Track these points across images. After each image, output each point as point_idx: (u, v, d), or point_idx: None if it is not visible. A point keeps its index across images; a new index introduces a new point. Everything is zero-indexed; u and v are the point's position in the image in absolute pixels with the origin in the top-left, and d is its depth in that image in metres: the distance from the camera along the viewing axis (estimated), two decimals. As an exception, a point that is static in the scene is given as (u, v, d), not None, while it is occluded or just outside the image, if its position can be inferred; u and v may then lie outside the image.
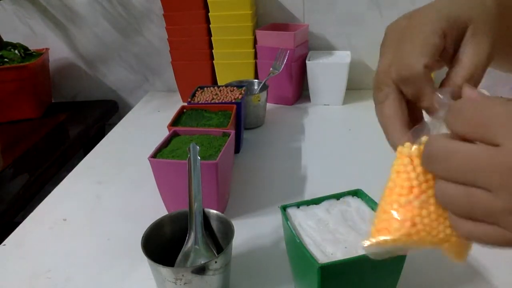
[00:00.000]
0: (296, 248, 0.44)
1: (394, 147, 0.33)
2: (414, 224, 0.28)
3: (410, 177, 0.29)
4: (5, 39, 1.10)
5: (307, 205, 0.48)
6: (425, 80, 0.33)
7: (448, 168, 0.26)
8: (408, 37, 0.34)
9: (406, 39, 0.34)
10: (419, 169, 0.29)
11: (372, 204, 0.47)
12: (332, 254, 0.41)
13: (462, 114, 0.26)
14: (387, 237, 0.29)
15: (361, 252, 0.41)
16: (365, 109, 0.97)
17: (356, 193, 0.49)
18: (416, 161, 0.29)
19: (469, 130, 0.26)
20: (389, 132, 0.35)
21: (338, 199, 0.49)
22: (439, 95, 0.30)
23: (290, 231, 0.44)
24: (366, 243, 0.30)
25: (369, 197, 0.48)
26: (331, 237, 0.43)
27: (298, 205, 0.48)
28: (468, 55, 0.33)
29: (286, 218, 0.46)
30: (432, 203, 0.29)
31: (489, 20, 0.33)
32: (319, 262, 0.39)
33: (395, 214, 0.29)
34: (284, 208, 0.47)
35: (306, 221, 0.45)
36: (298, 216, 0.46)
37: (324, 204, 0.48)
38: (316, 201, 0.48)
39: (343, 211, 0.46)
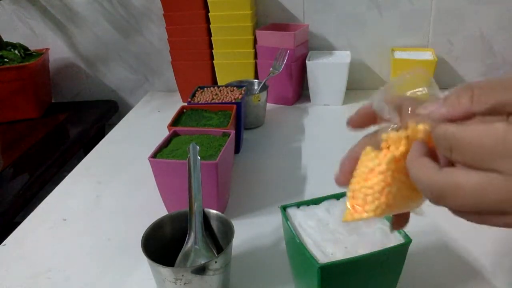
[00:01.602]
0: (296, 248, 0.44)
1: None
2: (388, 206, 0.31)
3: (381, 170, 0.31)
4: (5, 39, 1.10)
5: (307, 205, 0.48)
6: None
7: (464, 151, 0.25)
8: None
9: None
10: (388, 155, 0.31)
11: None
12: (332, 254, 0.41)
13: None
14: (363, 216, 0.32)
15: (361, 252, 0.41)
16: (365, 109, 0.97)
17: (356, 193, 0.49)
18: (387, 147, 0.31)
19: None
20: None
21: (338, 199, 0.49)
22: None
23: (290, 231, 0.44)
24: (344, 218, 0.34)
25: (369, 197, 0.48)
26: (331, 237, 0.43)
27: (298, 205, 0.48)
28: None
29: (286, 218, 0.46)
30: (403, 188, 0.31)
31: None
32: (319, 262, 0.39)
33: (370, 198, 0.32)
34: (284, 208, 0.47)
35: (306, 221, 0.45)
36: (298, 216, 0.46)
37: (324, 204, 0.48)
38: (316, 201, 0.48)
39: (343, 211, 0.46)
